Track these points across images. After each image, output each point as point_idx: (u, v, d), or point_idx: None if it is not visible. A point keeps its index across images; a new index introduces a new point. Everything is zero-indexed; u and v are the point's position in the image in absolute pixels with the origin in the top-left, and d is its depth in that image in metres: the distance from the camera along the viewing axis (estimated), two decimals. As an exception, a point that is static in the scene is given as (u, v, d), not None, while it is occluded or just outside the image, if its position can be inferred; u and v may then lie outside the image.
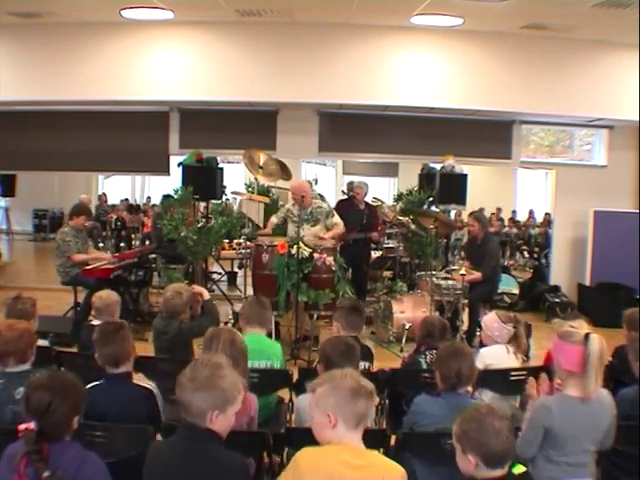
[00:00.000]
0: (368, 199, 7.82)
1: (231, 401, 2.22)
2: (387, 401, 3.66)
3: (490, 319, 3.88)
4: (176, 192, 7.29)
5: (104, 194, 15.87)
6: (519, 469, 2.21)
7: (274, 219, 6.85)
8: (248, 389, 2.86)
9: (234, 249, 8.37)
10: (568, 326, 2.62)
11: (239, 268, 9.19)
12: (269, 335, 4.74)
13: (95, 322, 3.99)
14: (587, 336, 2.55)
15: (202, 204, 8.01)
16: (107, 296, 4.04)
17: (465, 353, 2.96)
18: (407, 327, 6.53)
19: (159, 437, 2.78)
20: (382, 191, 14.86)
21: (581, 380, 2.55)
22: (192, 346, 4.18)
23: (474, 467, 2.14)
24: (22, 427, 2.11)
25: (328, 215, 6.68)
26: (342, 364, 2.73)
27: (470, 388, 2.97)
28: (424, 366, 3.68)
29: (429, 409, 2.90)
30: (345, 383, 2.22)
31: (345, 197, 8.22)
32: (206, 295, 4.35)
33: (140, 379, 3.31)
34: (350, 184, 7.88)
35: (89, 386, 2.87)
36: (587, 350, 2.52)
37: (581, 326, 2.62)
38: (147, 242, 11.50)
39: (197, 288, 4.42)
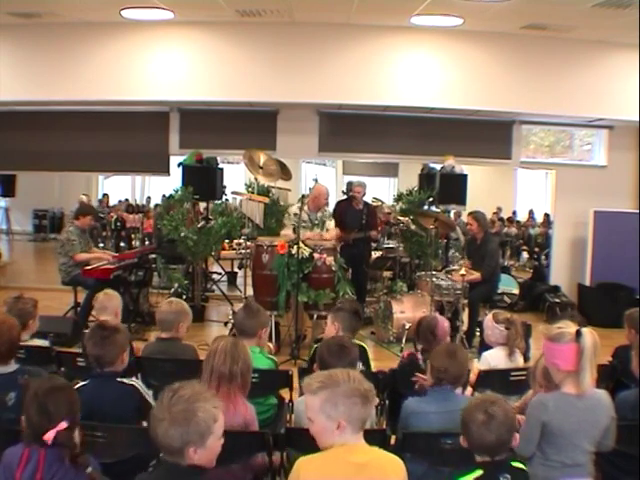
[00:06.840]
0: (368, 199, 7.82)
1: (207, 432, 2.03)
2: (387, 401, 3.66)
3: (487, 318, 3.90)
4: (176, 192, 7.28)
5: (106, 195, 15.85)
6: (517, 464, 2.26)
7: (288, 231, 6.70)
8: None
9: (234, 249, 8.38)
10: (555, 329, 2.63)
11: (239, 268, 9.19)
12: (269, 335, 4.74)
13: None
14: (578, 332, 2.56)
15: (202, 204, 8.01)
16: (109, 296, 4.02)
17: (458, 355, 2.99)
18: (407, 327, 6.52)
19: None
20: (382, 191, 14.85)
21: (576, 376, 2.56)
22: None
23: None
24: (51, 434, 2.06)
25: (329, 217, 6.78)
26: (335, 365, 2.71)
27: (469, 390, 2.98)
28: (423, 365, 3.66)
29: (418, 408, 2.94)
30: (351, 388, 2.19)
31: (344, 197, 8.23)
32: None
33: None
34: (349, 184, 7.88)
35: (77, 386, 2.85)
36: (581, 345, 2.53)
37: (568, 325, 2.63)
38: (147, 242, 11.52)
39: None
